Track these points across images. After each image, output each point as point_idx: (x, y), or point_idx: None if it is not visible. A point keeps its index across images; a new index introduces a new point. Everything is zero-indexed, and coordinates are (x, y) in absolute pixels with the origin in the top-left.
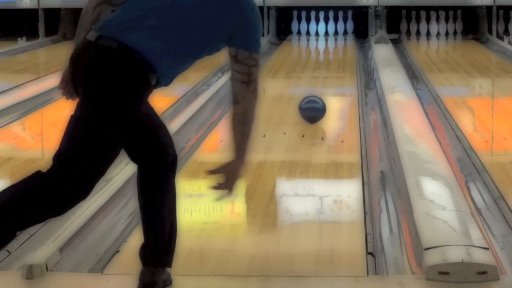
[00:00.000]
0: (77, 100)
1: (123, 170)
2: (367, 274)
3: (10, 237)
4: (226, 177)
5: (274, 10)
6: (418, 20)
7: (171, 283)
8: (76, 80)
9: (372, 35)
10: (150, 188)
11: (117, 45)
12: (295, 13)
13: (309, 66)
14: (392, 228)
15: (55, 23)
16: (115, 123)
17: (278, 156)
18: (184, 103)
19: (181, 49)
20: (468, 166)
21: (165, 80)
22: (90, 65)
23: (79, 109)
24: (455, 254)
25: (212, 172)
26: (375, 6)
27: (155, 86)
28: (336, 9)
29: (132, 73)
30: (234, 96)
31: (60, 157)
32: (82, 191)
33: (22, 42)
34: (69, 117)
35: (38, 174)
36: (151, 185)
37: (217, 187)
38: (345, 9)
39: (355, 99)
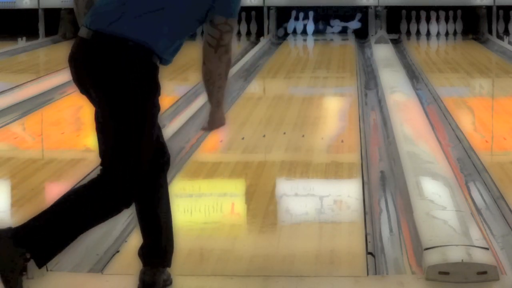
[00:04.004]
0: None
1: None
2: (367, 274)
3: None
4: (215, 128)
5: (274, 10)
6: (418, 20)
7: (171, 283)
8: (84, 82)
9: (372, 35)
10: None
11: (113, 38)
12: (293, 13)
13: (309, 66)
14: (392, 228)
15: (55, 23)
16: (143, 109)
17: (278, 156)
18: (184, 103)
19: (173, 28)
20: (468, 166)
21: (165, 60)
22: (95, 65)
23: (104, 111)
24: (455, 254)
25: (203, 129)
26: (375, 6)
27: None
28: (336, 9)
29: (137, 60)
30: (202, 57)
31: (113, 157)
32: (142, 176)
33: (22, 42)
34: (97, 124)
35: (94, 182)
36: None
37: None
38: (345, 9)
39: (355, 99)
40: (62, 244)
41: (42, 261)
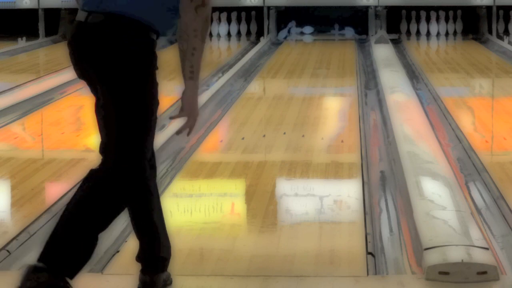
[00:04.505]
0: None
1: None
2: (367, 274)
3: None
4: (187, 114)
5: (274, 10)
6: (418, 20)
7: (171, 282)
8: (82, 67)
9: (372, 35)
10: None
11: (107, 17)
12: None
13: (309, 66)
14: (392, 228)
15: (55, 23)
16: (144, 88)
17: (278, 156)
18: None
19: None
20: (468, 166)
21: (163, 33)
22: (90, 48)
23: (104, 94)
24: (455, 254)
25: (173, 117)
26: (375, 6)
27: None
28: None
29: (135, 38)
30: (180, 11)
31: (118, 145)
32: (145, 164)
33: (22, 42)
34: (98, 114)
35: (94, 172)
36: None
37: (180, 129)
38: (345, 9)
39: (355, 99)
40: (90, 252)
41: (75, 274)
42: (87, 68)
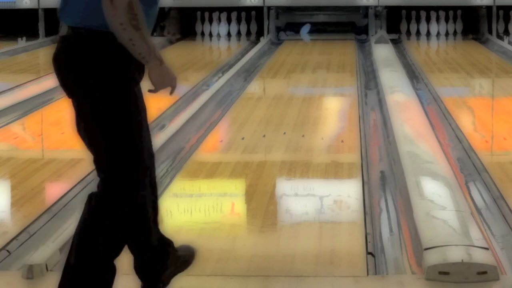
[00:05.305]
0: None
1: None
2: (367, 274)
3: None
4: (161, 86)
5: (274, 10)
6: (418, 20)
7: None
8: (62, 82)
9: (372, 35)
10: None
11: (74, 31)
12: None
13: (309, 66)
14: (392, 228)
15: (55, 23)
16: (125, 98)
17: (278, 156)
18: (184, 103)
19: None
20: (468, 166)
21: (150, 26)
22: (64, 66)
23: (86, 111)
24: (455, 254)
25: (150, 91)
26: (375, 6)
27: None
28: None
29: (106, 50)
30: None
31: (110, 167)
32: (144, 180)
33: (22, 42)
34: (80, 125)
35: (94, 196)
36: None
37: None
38: (345, 9)
39: (355, 99)
40: (108, 282)
41: None
42: (64, 83)
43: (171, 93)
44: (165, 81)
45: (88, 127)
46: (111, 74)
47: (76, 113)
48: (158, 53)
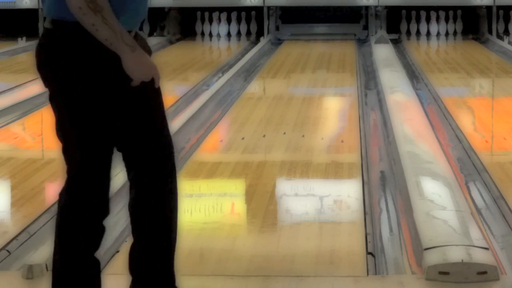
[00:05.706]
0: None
1: (123, 170)
2: (367, 274)
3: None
4: (138, 79)
5: (274, 10)
6: (418, 20)
7: None
8: (43, 77)
9: (372, 35)
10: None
11: (54, 24)
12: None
13: (309, 66)
14: (392, 228)
15: None
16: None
17: (278, 156)
18: (184, 103)
19: None
20: (468, 166)
21: (132, 22)
22: (50, 58)
23: (61, 110)
24: (455, 254)
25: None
26: (375, 6)
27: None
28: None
29: (83, 46)
30: None
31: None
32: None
33: (22, 42)
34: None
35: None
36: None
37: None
38: (345, 9)
39: (355, 99)
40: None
41: None
42: (44, 78)
43: (156, 84)
44: (143, 70)
45: (62, 125)
46: (85, 67)
47: (55, 117)
48: (130, 40)
